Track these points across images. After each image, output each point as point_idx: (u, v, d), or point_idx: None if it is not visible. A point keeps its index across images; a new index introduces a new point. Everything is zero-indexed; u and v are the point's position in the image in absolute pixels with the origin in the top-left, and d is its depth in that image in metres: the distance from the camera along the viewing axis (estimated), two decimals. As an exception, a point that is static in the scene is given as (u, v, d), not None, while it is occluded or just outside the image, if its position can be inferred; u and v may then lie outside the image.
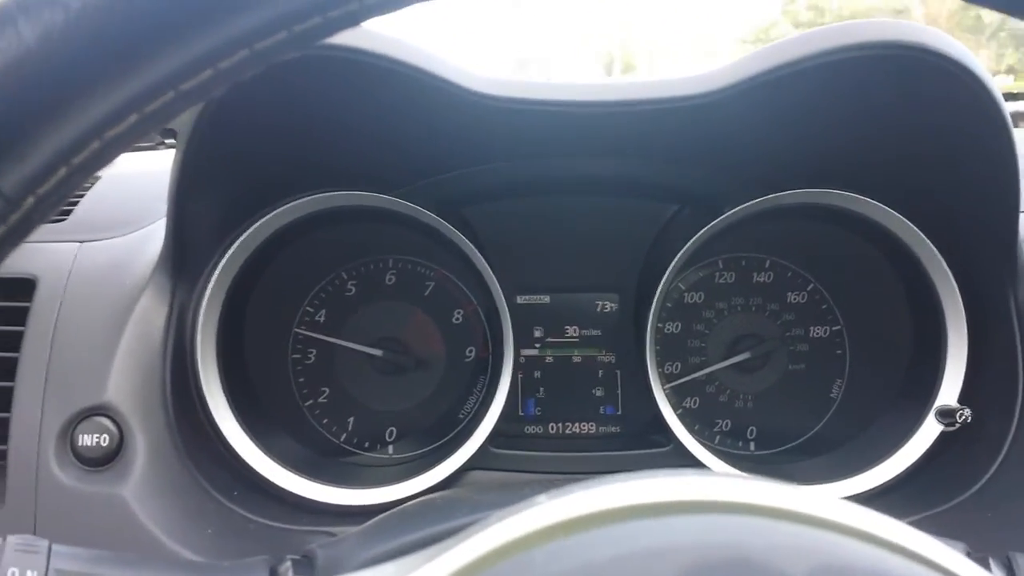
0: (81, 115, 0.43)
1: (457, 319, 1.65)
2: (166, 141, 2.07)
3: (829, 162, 1.43)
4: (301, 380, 1.61)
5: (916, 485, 1.42)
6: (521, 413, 1.63)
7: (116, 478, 1.20)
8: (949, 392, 1.42)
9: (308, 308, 1.62)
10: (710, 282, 1.67)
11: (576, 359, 1.64)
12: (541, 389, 1.63)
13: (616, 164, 1.52)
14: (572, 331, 1.64)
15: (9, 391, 1.23)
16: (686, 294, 1.67)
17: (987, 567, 0.85)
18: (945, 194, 1.40)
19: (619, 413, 1.63)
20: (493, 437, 1.48)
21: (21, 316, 1.29)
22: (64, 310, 1.29)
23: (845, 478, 1.43)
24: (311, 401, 1.62)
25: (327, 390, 1.62)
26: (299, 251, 1.57)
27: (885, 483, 1.42)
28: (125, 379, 1.24)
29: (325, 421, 1.62)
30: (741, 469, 1.46)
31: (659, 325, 1.65)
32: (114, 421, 1.22)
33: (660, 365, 1.64)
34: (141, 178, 1.63)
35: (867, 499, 1.42)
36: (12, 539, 0.71)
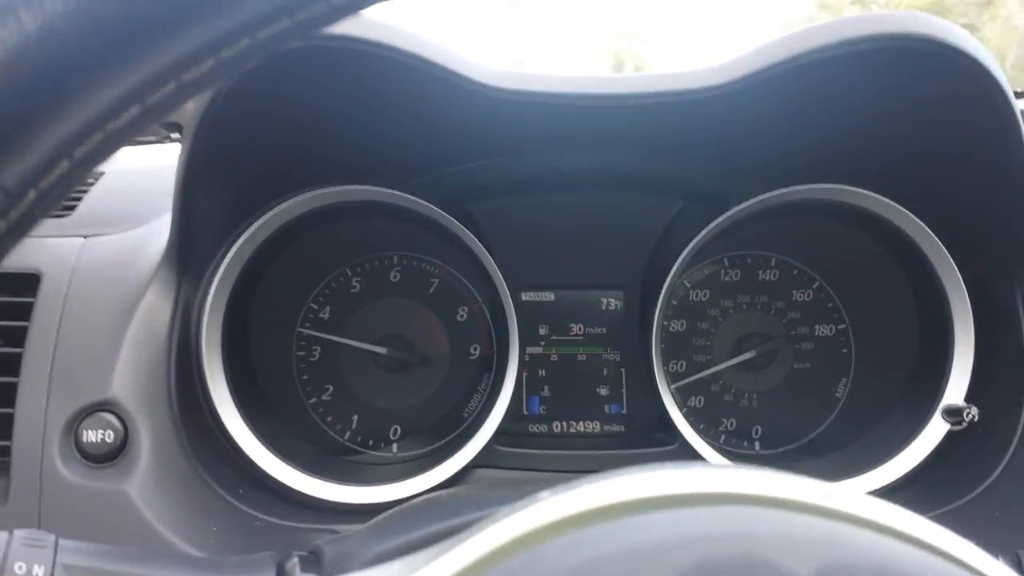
0: (83, 106, 0.43)
1: (462, 316, 1.65)
2: (172, 136, 2.07)
3: (836, 158, 1.42)
4: (305, 377, 1.61)
5: (923, 484, 1.41)
6: (526, 411, 1.62)
7: (120, 474, 1.19)
8: (956, 391, 1.41)
9: (312, 305, 1.62)
10: (716, 280, 1.67)
11: (581, 357, 1.64)
12: (546, 387, 1.63)
13: (622, 158, 1.52)
14: (577, 329, 1.64)
15: (13, 387, 1.23)
16: (691, 292, 1.67)
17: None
18: (953, 190, 1.40)
19: (624, 412, 1.62)
20: (498, 435, 1.48)
21: (26, 311, 1.28)
22: (68, 306, 1.28)
23: (851, 477, 1.43)
24: (315, 398, 1.61)
25: (331, 387, 1.62)
26: (304, 247, 1.56)
27: (891, 482, 1.42)
28: (130, 375, 1.24)
29: (329, 419, 1.62)
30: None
31: (664, 323, 1.64)
32: (119, 417, 1.21)
33: (665, 363, 1.63)
34: (146, 173, 1.63)
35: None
36: (19, 533, 0.71)
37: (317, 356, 1.62)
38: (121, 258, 1.35)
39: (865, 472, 1.43)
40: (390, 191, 1.43)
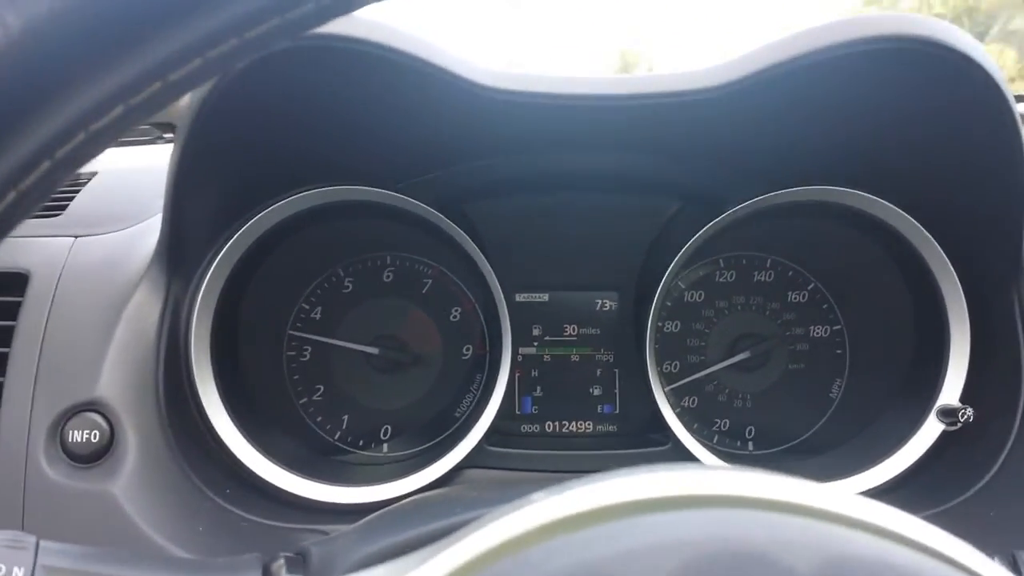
0: (65, 107, 0.42)
1: (455, 317, 1.64)
2: (164, 135, 2.06)
3: (832, 159, 1.41)
4: (296, 377, 1.60)
5: (918, 484, 1.41)
6: (518, 411, 1.61)
7: (106, 475, 1.18)
8: (951, 391, 1.41)
9: (304, 305, 1.61)
10: (710, 281, 1.66)
11: (574, 358, 1.63)
12: (538, 387, 1.62)
13: (618, 160, 1.51)
14: (571, 330, 1.63)
15: None
16: (686, 293, 1.66)
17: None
18: (950, 191, 1.39)
19: (617, 412, 1.62)
20: (489, 435, 1.47)
21: (13, 311, 1.27)
22: (57, 305, 1.27)
23: (845, 477, 1.42)
24: (306, 399, 1.60)
25: (322, 387, 1.61)
26: (296, 247, 1.55)
27: (886, 482, 1.41)
28: (117, 375, 1.23)
29: (320, 419, 1.61)
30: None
31: (659, 324, 1.64)
32: (105, 417, 1.20)
33: (659, 364, 1.63)
34: (137, 173, 1.62)
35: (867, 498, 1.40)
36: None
37: (308, 356, 1.61)
38: (111, 258, 1.34)
39: (859, 472, 1.43)
40: (383, 191, 1.42)
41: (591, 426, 1.62)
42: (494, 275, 1.47)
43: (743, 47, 1.24)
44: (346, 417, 1.61)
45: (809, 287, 1.65)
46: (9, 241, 0.45)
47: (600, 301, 1.63)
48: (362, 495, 1.38)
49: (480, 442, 1.45)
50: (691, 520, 0.50)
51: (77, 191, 1.53)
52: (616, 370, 1.62)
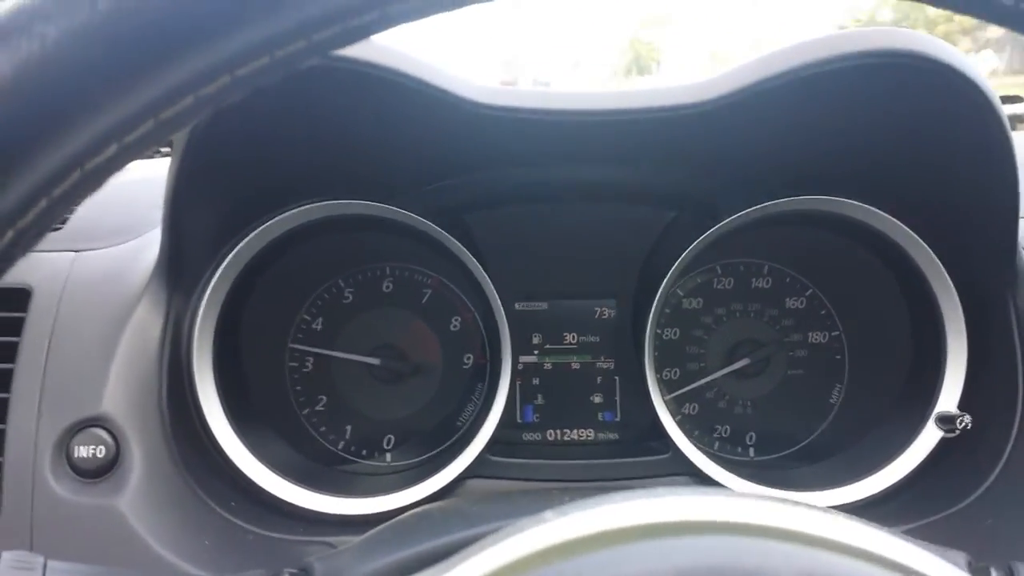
0: (62, 144, 0.42)
1: (455, 326, 1.65)
2: (160, 149, 2.06)
3: (828, 169, 1.42)
4: (298, 388, 1.61)
5: (916, 492, 1.41)
6: (519, 420, 1.62)
7: (112, 490, 1.19)
8: (949, 398, 1.41)
9: (305, 316, 1.62)
10: (709, 288, 1.67)
11: (575, 366, 1.63)
12: (539, 396, 1.63)
13: (614, 171, 1.52)
14: (571, 338, 1.63)
15: (4, 402, 1.22)
16: (685, 300, 1.67)
17: (988, 576, 0.84)
18: (944, 200, 1.40)
19: (618, 420, 1.62)
20: (491, 445, 1.47)
21: (16, 327, 1.28)
22: (60, 320, 1.28)
23: (845, 484, 1.43)
24: (308, 409, 1.61)
25: (324, 398, 1.62)
26: (296, 260, 1.56)
27: (885, 490, 1.42)
28: (121, 390, 1.24)
29: (323, 429, 1.62)
30: (740, 475, 1.45)
31: (658, 331, 1.65)
32: (110, 432, 1.21)
33: (659, 371, 1.63)
34: (138, 186, 1.62)
35: (867, 506, 1.41)
36: (7, 555, 0.71)
37: (310, 367, 1.62)
38: (112, 273, 1.35)
39: (859, 479, 1.43)
40: (382, 205, 1.43)
41: (592, 434, 1.62)
42: (492, 285, 1.48)
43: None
44: (349, 427, 1.62)
45: (807, 293, 1.66)
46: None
47: (599, 309, 1.63)
48: (366, 506, 1.38)
49: (482, 452, 1.46)
50: (689, 546, 0.51)
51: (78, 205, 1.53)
52: (616, 378, 1.63)
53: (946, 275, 1.40)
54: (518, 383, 1.62)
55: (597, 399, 1.63)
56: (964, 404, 1.40)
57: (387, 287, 1.64)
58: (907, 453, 1.42)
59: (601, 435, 1.62)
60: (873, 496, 1.42)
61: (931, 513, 1.33)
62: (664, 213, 1.58)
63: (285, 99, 1.21)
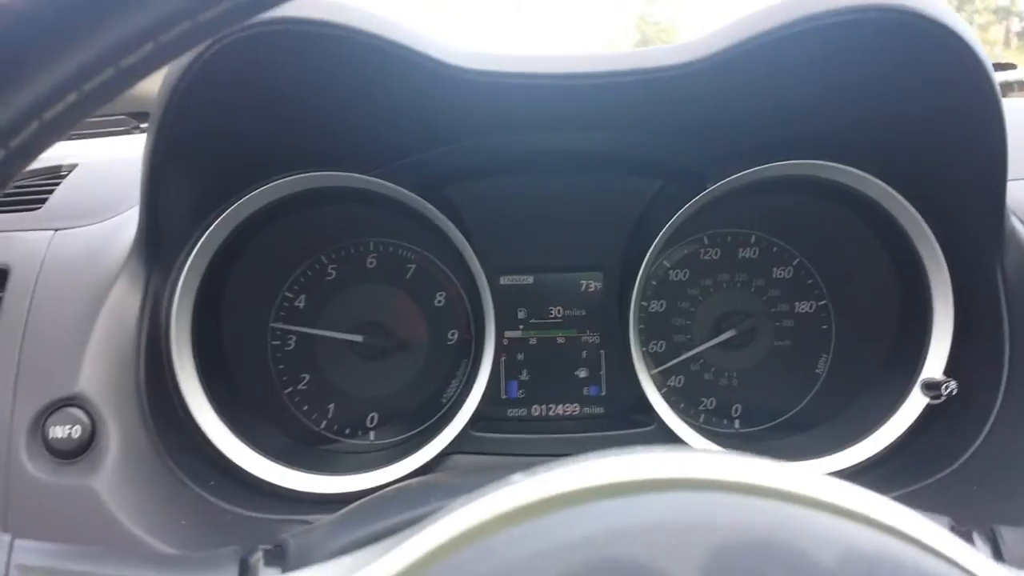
0: (19, 93, 0.41)
1: (439, 302, 1.63)
2: (140, 125, 2.05)
3: (814, 133, 1.41)
4: (281, 367, 1.60)
5: (902, 459, 1.41)
6: (504, 396, 1.61)
7: (88, 470, 1.18)
8: (935, 364, 1.41)
9: (287, 293, 1.60)
10: (695, 259, 1.66)
11: (560, 340, 1.62)
12: (524, 371, 1.62)
13: (599, 139, 1.50)
14: (556, 311, 1.62)
15: None
16: (671, 272, 1.66)
17: (971, 541, 0.83)
18: (932, 164, 1.38)
19: (603, 394, 1.61)
20: (475, 420, 1.47)
21: None
22: (37, 299, 1.27)
23: (831, 453, 1.43)
24: (291, 388, 1.60)
25: (307, 377, 1.60)
26: (276, 235, 1.55)
27: (871, 457, 1.42)
28: (98, 369, 1.22)
29: (305, 408, 1.60)
30: (726, 447, 1.45)
31: (644, 303, 1.64)
32: (86, 412, 1.20)
33: (645, 344, 1.62)
34: (116, 165, 1.61)
35: (853, 474, 1.41)
36: (-29, 535, 0.69)
37: (292, 345, 1.60)
38: (90, 251, 1.34)
39: (845, 447, 1.43)
40: (363, 177, 1.42)
41: (578, 409, 1.61)
42: (476, 258, 1.46)
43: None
44: (332, 406, 1.61)
45: (794, 263, 1.65)
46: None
47: (585, 282, 1.62)
48: (348, 484, 1.38)
49: (466, 427, 1.45)
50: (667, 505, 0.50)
51: (57, 184, 1.52)
52: (602, 352, 1.62)
53: (933, 239, 1.39)
54: (503, 358, 1.61)
55: (582, 373, 1.62)
56: (950, 371, 1.40)
57: (371, 263, 1.62)
58: (893, 420, 1.42)
59: (587, 409, 1.61)
60: (859, 464, 1.41)
61: (917, 480, 1.33)
62: (650, 183, 1.57)
63: (257, 70, 1.19)
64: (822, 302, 1.65)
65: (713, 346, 1.62)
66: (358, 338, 1.57)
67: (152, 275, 1.34)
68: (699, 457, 0.55)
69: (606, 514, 0.50)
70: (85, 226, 1.40)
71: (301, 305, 1.61)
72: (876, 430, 1.42)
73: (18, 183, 1.49)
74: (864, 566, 0.47)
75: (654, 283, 1.65)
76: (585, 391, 1.62)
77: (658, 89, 1.29)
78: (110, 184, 1.53)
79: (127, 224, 1.36)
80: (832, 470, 1.40)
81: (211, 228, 1.37)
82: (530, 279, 1.62)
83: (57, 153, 1.64)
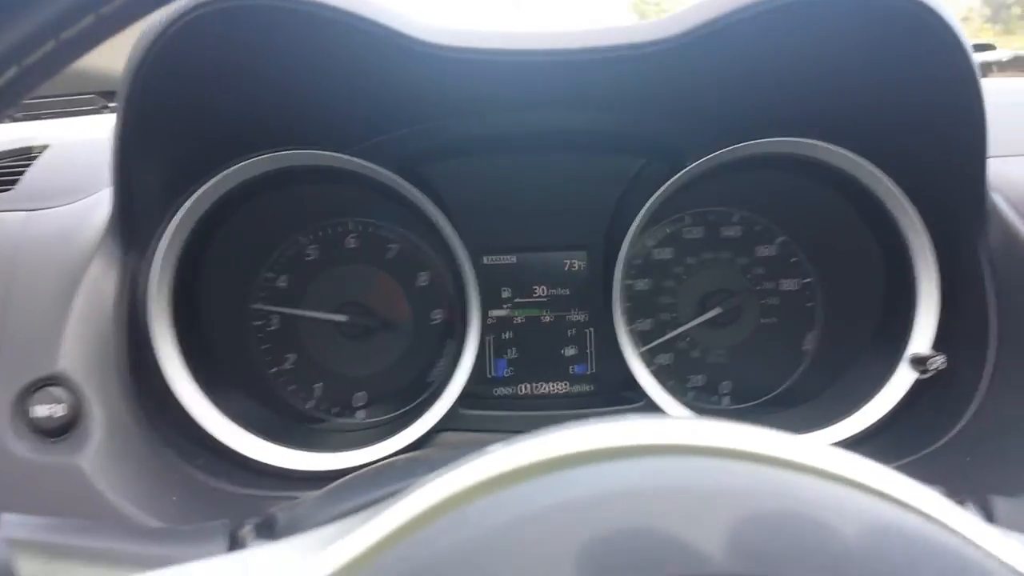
0: None
1: (422, 282, 1.63)
2: (109, 105, 2.03)
3: (795, 110, 1.40)
4: (265, 347, 1.59)
5: (892, 433, 1.41)
6: (491, 375, 1.60)
7: (73, 448, 1.16)
8: (922, 340, 1.41)
9: (268, 274, 1.59)
10: (678, 238, 1.66)
11: (545, 319, 1.62)
12: (512, 350, 1.61)
13: (578, 117, 1.49)
14: (541, 291, 1.61)
15: None
16: (654, 250, 1.65)
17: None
18: (913, 141, 1.38)
19: (590, 372, 1.61)
20: (463, 399, 1.46)
21: None
22: (13, 281, 1.25)
23: (819, 428, 1.43)
24: (276, 368, 1.59)
25: (293, 356, 1.60)
26: (253, 214, 1.53)
27: (860, 432, 1.42)
28: (77, 348, 1.21)
29: (292, 388, 1.60)
30: None
31: (628, 282, 1.63)
32: (69, 390, 1.18)
33: (631, 322, 1.62)
34: (88, 145, 1.59)
35: (843, 448, 1.41)
36: (-42, 510, 0.69)
37: (276, 325, 1.60)
38: (64, 231, 1.32)
39: (834, 423, 1.43)
40: (339, 155, 1.40)
41: (566, 386, 1.61)
42: (458, 238, 1.45)
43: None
44: (319, 385, 1.60)
45: (778, 240, 1.65)
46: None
47: (569, 261, 1.61)
48: (336, 461, 1.37)
49: (454, 406, 1.44)
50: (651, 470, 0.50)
51: (28, 165, 1.50)
52: (588, 330, 1.61)
53: (916, 216, 1.39)
54: (489, 338, 1.60)
55: (570, 352, 1.61)
56: (937, 345, 1.40)
57: (351, 243, 1.62)
58: (881, 395, 1.42)
59: (575, 387, 1.61)
60: (848, 439, 1.41)
61: (907, 454, 1.33)
62: (633, 161, 1.56)
63: (226, 45, 1.17)
64: (807, 279, 1.65)
65: (700, 324, 1.62)
66: (342, 318, 1.57)
67: (128, 254, 1.32)
68: (712, 425, 0.55)
69: (618, 477, 0.49)
70: (58, 207, 1.38)
71: (283, 285, 1.60)
72: (864, 405, 1.42)
73: (-11, 165, 1.48)
74: (873, 533, 0.47)
75: (638, 262, 1.64)
76: (572, 369, 1.61)
77: (635, 66, 1.27)
78: (82, 164, 1.50)
79: (100, 204, 1.34)
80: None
81: (185, 207, 1.35)
82: (513, 259, 1.61)
83: (27, 134, 1.62)
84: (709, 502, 0.47)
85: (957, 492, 0.84)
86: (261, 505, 1.25)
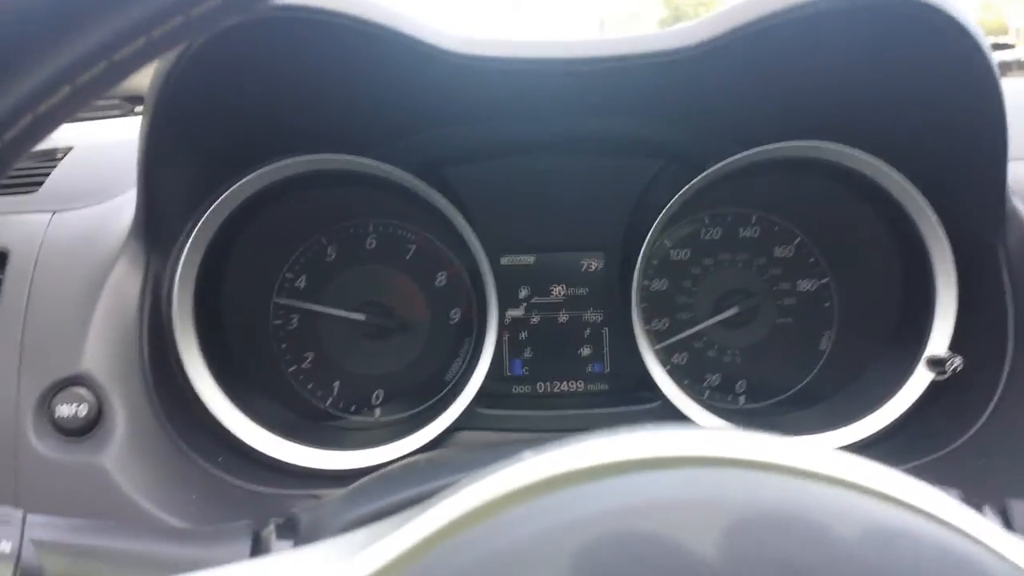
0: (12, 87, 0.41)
1: (440, 282, 1.63)
2: (135, 109, 2.04)
3: (813, 114, 1.40)
4: (284, 346, 1.60)
5: (908, 434, 1.41)
6: (508, 374, 1.61)
7: (96, 447, 1.18)
8: (939, 341, 1.41)
9: (288, 274, 1.60)
10: (696, 238, 1.66)
11: (562, 319, 1.62)
12: (528, 349, 1.62)
13: (598, 122, 1.49)
14: (558, 291, 1.62)
15: None
16: (672, 251, 1.66)
17: (982, 514, 0.83)
18: (932, 142, 1.38)
19: (607, 371, 1.61)
20: (480, 398, 1.47)
21: None
22: (37, 281, 1.27)
23: (835, 428, 1.43)
24: (295, 366, 1.61)
25: (311, 355, 1.61)
26: (276, 216, 1.54)
27: (876, 433, 1.42)
28: (101, 348, 1.22)
29: (310, 386, 1.61)
30: (731, 423, 1.45)
31: (645, 282, 1.64)
32: (92, 391, 1.20)
33: (647, 322, 1.63)
34: (114, 147, 1.60)
35: (858, 449, 1.41)
36: (-16, 511, 0.70)
37: (295, 324, 1.61)
38: (89, 233, 1.33)
39: (850, 423, 1.43)
40: (361, 159, 1.41)
41: (582, 386, 1.62)
42: (477, 239, 1.46)
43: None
44: (337, 384, 1.61)
45: (795, 241, 1.65)
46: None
47: (586, 262, 1.62)
48: (354, 460, 1.38)
49: (471, 405, 1.45)
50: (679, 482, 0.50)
51: (53, 167, 1.52)
52: (604, 330, 1.62)
53: (935, 218, 1.39)
54: (506, 337, 1.61)
55: (586, 351, 1.62)
56: (954, 347, 1.40)
57: (370, 243, 1.62)
58: (898, 396, 1.42)
59: (591, 387, 1.62)
60: (864, 439, 1.42)
61: (923, 455, 1.33)
62: (651, 163, 1.57)
63: (254, 52, 1.18)
64: (824, 280, 1.65)
65: (716, 324, 1.62)
66: (360, 317, 1.58)
67: (152, 256, 1.33)
68: (710, 434, 0.55)
69: (623, 490, 0.49)
70: (83, 208, 1.40)
71: (302, 285, 1.61)
72: (881, 406, 1.42)
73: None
74: (883, 541, 0.47)
75: (655, 262, 1.65)
76: (589, 368, 1.62)
77: (656, 73, 1.28)
78: (107, 166, 1.52)
79: (125, 206, 1.35)
80: (837, 446, 1.41)
81: (210, 210, 1.36)
82: (531, 259, 1.62)
83: (52, 136, 1.63)
84: (743, 515, 0.47)
85: (974, 495, 0.84)
86: (281, 503, 1.27)
